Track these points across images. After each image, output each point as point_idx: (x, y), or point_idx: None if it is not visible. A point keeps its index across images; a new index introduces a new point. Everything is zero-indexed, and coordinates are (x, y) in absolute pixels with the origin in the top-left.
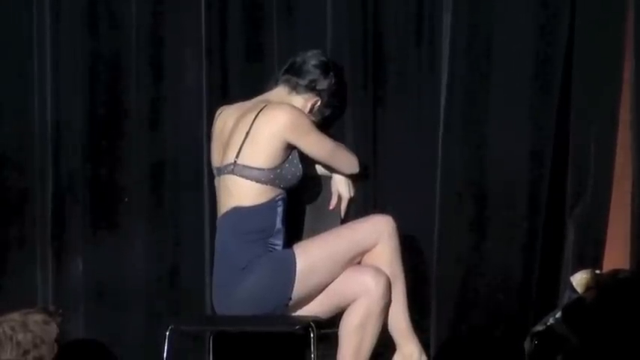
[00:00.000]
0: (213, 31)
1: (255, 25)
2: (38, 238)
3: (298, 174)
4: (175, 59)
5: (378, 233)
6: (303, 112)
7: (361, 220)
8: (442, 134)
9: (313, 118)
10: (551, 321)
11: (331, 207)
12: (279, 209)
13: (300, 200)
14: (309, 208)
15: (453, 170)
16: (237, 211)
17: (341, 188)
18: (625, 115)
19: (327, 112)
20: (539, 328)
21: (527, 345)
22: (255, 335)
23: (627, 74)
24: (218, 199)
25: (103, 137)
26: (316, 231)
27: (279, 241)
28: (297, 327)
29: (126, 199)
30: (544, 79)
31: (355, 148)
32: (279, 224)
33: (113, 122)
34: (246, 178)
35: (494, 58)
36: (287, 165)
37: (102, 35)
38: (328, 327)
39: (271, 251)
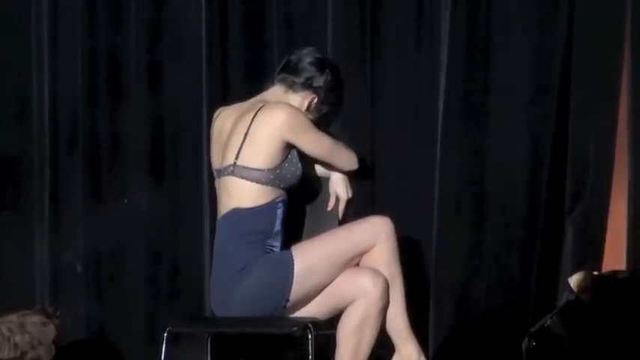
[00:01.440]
0: (213, 32)
1: (254, 24)
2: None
3: (298, 173)
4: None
5: (375, 234)
6: (300, 111)
7: (359, 221)
8: (441, 135)
9: (311, 116)
10: (548, 322)
11: (329, 208)
12: (279, 211)
13: (298, 201)
14: (307, 210)
15: (452, 171)
16: (237, 213)
17: (339, 189)
18: (624, 116)
19: (325, 109)
20: (537, 328)
21: (525, 345)
22: (253, 336)
23: (626, 76)
24: (218, 200)
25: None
26: (315, 232)
27: (277, 243)
28: (295, 328)
29: (125, 200)
30: (543, 80)
31: (353, 149)
32: (278, 226)
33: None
34: (246, 179)
35: (492, 59)
36: (287, 165)
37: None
38: (326, 328)
39: (269, 252)
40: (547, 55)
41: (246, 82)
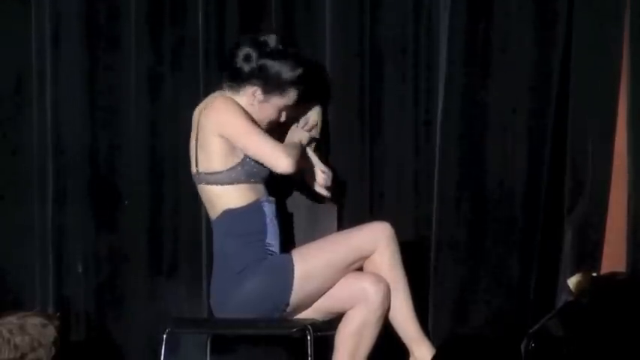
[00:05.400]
0: (211, 35)
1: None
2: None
3: None
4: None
5: (375, 239)
6: (230, 105)
7: (359, 226)
8: (439, 136)
9: (283, 105)
10: (548, 323)
11: (321, 183)
12: (265, 209)
13: (295, 203)
14: (305, 211)
15: (451, 173)
16: (228, 214)
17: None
18: (623, 117)
19: (289, 93)
20: (537, 329)
21: (524, 346)
22: (253, 338)
23: (625, 76)
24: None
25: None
26: (312, 233)
27: (274, 242)
28: (294, 330)
29: (126, 202)
30: (541, 81)
31: (353, 153)
32: (269, 224)
33: None
34: (213, 184)
35: (491, 60)
36: (248, 159)
37: None
38: (325, 330)
39: (270, 254)
40: (546, 56)
41: None
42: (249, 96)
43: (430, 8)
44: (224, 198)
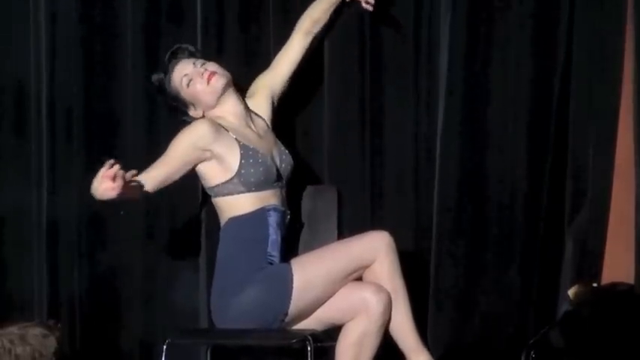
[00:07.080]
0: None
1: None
2: None
3: (261, 169)
4: None
5: (375, 249)
6: (186, 128)
7: (358, 236)
8: (440, 145)
9: (186, 80)
10: (548, 333)
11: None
12: (271, 219)
13: (296, 213)
14: (305, 219)
15: (451, 182)
16: (234, 221)
17: None
18: (624, 125)
19: (173, 76)
20: (537, 340)
21: (524, 357)
22: (253, 348)
23: (627, 83)
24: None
25: None
26: (311, 243)
27: (276, 253)
28: (295, 340)
29: (122, 212)
30: (542, 88)
31: (353, 161)
32: (273, 234)
33: None
34: (216, 195)
35: (492, 65)
36: (243, 170)
37: None
38: (325, 340)
39: (271, 263)
40: (547, 60)
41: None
42: (196, 113)
43: (431, 14)
44: (229, 206)
